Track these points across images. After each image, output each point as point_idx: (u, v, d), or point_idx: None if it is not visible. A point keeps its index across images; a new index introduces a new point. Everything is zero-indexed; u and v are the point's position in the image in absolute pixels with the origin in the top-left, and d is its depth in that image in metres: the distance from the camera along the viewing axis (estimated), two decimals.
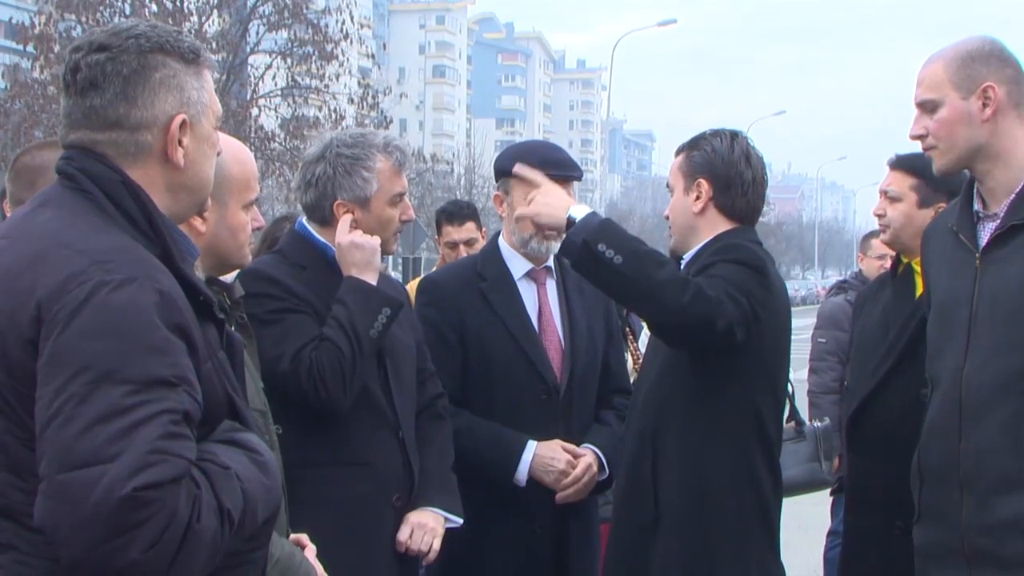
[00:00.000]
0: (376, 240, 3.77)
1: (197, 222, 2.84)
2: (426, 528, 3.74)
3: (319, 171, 3.78)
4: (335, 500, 3.61)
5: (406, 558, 3.75)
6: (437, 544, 3.76)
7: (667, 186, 3.99)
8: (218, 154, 2.40)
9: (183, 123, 2.24)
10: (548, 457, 4.08)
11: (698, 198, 3.82)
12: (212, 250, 2.93)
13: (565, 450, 4.11)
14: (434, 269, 6.46)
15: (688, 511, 3.68)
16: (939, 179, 4.27)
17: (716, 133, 3.88)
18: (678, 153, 3.93)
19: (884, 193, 4.36)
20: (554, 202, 3.67)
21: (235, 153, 2.96)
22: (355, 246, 3.72)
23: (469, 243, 6.66)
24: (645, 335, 5.55)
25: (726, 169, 3.80)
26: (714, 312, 3.46)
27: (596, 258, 3.49)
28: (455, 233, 6.76)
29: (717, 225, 3.83)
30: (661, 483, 3.72)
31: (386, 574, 3.72)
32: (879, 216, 4.37)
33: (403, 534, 3.72)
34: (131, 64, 2.20)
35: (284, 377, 3.52)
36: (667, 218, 3.99)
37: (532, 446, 4.08)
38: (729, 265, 3.62)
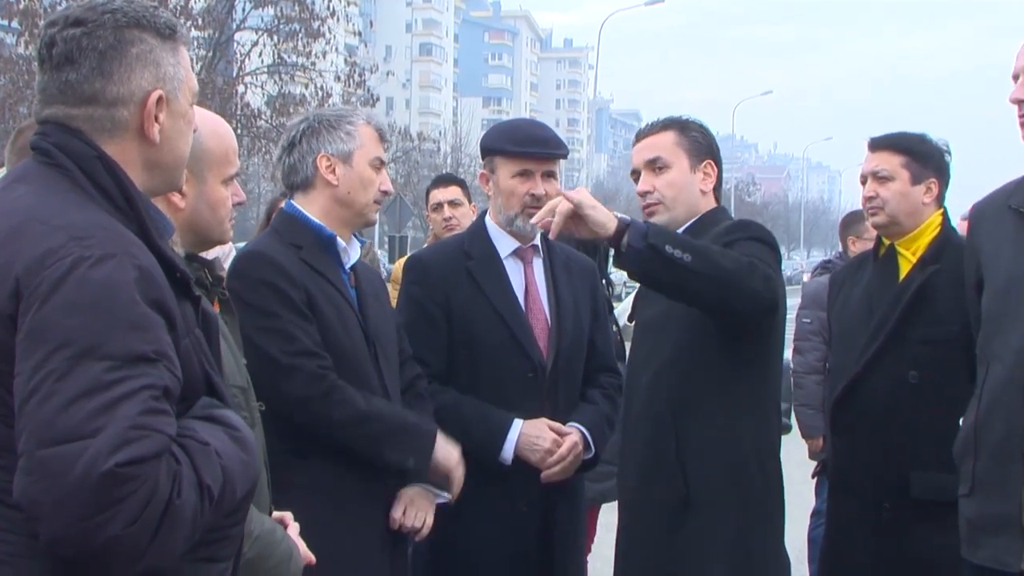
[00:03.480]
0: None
1: (176, 198, 2.82)
2: (418, 505, 3.77)
3: (303, 128, 3.81)
4: (329, 479, 3.61)
5: (397, 535, 3.77)
6: (430, 520, 3.79)
7: (654, 161, 3.94)
8: (194, 131, 2.38)
9: (160, 99, 2.22)
10: (533, 436, 4.07)
11: (705, 178, 3.93)
12: (192, 226, 2.90)
13: (551, 428, 4.10)
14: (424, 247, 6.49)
15: (725, 487, 3.73)
16: (926, 155, 4.30)
17: (696, 120, 4.02)
18: (666, 128, 3.95)
19: (873, 175, 4.35)
20: (603, 208, 3.59)
21: (213, 127, 2.93)
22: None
23: (453, 204, 6.74)
24: (619, 313, 5.56)
25: (718, 155, 4.00)
26: (777, 291, 3.58)
27: (666, 260, 3.45)
28: (440, 195, 6.84)
29: (709, 205, 3.96)
30: (690, 463, 3.75)
31: (379, 551, 3.73)
32: (870, 198, 4.34)
33: (397, 511, 3.74)
34: (107, 39, 2.18)
35: (281, 378, 3.55)
36: (645, 193, 3.96)
37: (518, 424, 4.07)
38: (753, 243, 3.70)
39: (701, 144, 3.93)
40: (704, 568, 3.73)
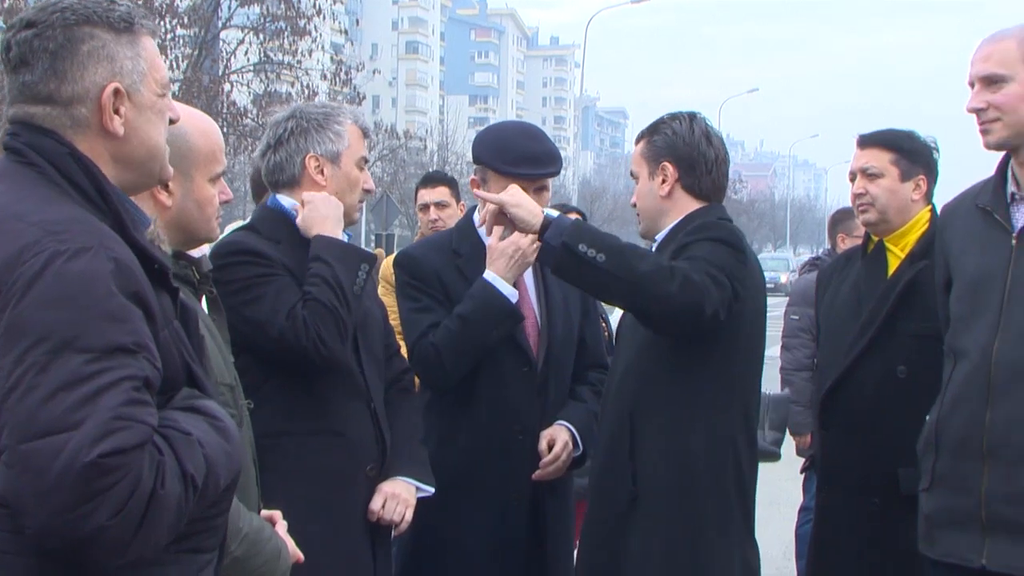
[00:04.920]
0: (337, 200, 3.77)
1: (163, 196, 2.82)
2: (399, 498, 3.73)
3: (290, 126, 3.76)
4: (309, 470, 3.59)
5: (378, 528, 3.74)
6: (409, 514, 3.76)
7: (631, 174, 4.00)
8: (173, 121, 2.37)
9: (117, 92, 2.22)
10: (496, 251, 4.03)
11: (664, 181, 3.86)
12: (179, 224, 2.89)
13: (547, 438, 4.11)
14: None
15: (669, 488, 3.70)
16: (914, 151, 4.30)
17: (674, 116, 3.93)
18: (638, 140, 3.97)
19: (862, 172, 4.35)
20: (531, 204, 3.67)
21: (199, 125, 2.92)
22: (322, 201, 3.71)
23: (440, 205, 6.76)
24: (616, 314, 5.56)
25: (688, 150, 3.85)
26: (702, 298, 3.48)
27: (579, 259, 3.50)
28: (427, 195, 6.84)
29: (685, 206, 3.86)
30: (640, 461, 3.73)
31: (359, 544, 3.71)
32: (859, 195, 4.34)
33: (376, 504, 3.71)
34: (57, 39, 2.19)
35: (282, 333, 3.50)
36: (634, 205, 4.01)
37: (489, 274, 4.03)
38: (707, 244, 3.65)
39: (659, 147, 3.87)
40: (643, 567, 3.72)
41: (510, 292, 4.02)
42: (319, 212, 3.69)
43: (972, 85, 3.59)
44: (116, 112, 2.22)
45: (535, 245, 3.82)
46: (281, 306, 3.53)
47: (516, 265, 4.01)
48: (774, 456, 5.95)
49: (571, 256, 3.51)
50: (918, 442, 3.70)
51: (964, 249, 3.65)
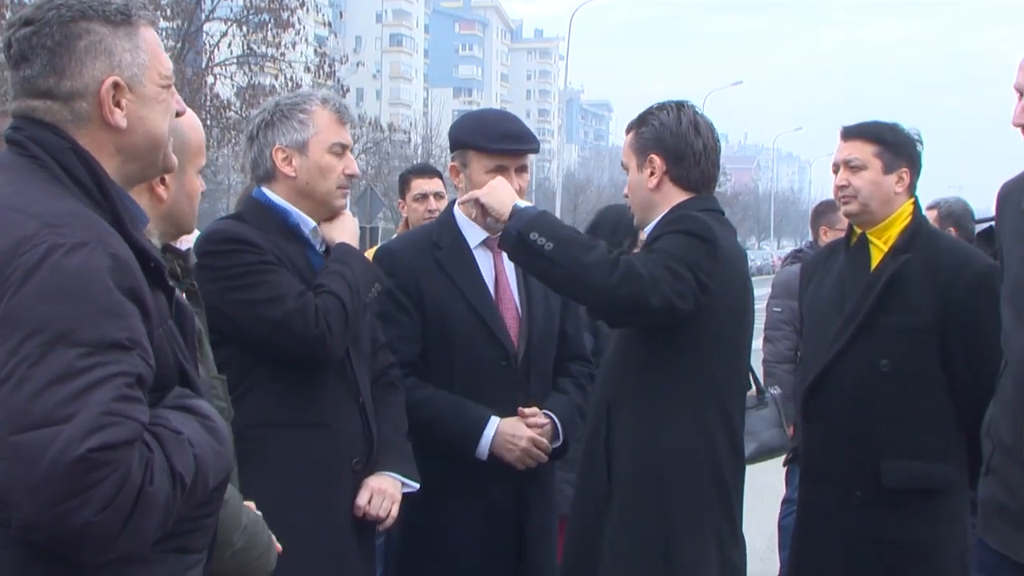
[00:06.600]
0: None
1: (160, 189, 2.82)
2: (385, 494, 3.74)
3: (258, 120, 3.77)
4: (295, 463, 3.59)
5: (363, 522, 3.74)
6: (395, 510, 3.76)
7: (622, 166, 4.00)
8: (179, 114, 2.39)
9: (117, 85, 2.23)
10: (509, 435, 4.08)
11: (652, 173, 3.84)
12: (171, 217, 2.89)
13: (528, 424, 4.12)
14: (394, 236, 6.47)
15: (641, 484, 3.70)
16: (898, 145, 4.30)
17: (662, 107, 3.90)
18: (628, 131, 3.96)
19: (845, 164, 4.35)
20: (502, 193, 3.74)
21: (188, 119, 2.92)
22: (349, 219, 3.83)
23: (438, 196, 6.76)
24: None
25: (676, 141, 3.82)
26: (645, 291, 3.48)
27: (528, 246, 3.56)
28: (425, 185, 6.83)
29: (674, 197, 3.84)
30: (614, 455, 3.74)
31: (344, 537, 3.71)
32: (842, 187, 4.35)
33: (362, 499, 3.71)
34: (54, 36, 2.20)
35: (288, 316, 3.48)
36: (626, 196, 4.00)
37: (494, 422, 4.07)
38: (674, 236, 3.65)
39: (646, 139, 3.85)
40: (618, 563, 3.72)
41: (483, 450, 4.09)
42: (345, 227, 3.80)
43: (1021, 94, 3.50)
44: (117, 105, 2.23)
45: None
46: (289, 289, 3.53)
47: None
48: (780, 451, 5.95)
49: (522, 243, 3.57)
50: (980, 425, 3.67)
51: (1012, 249, 3.61)
